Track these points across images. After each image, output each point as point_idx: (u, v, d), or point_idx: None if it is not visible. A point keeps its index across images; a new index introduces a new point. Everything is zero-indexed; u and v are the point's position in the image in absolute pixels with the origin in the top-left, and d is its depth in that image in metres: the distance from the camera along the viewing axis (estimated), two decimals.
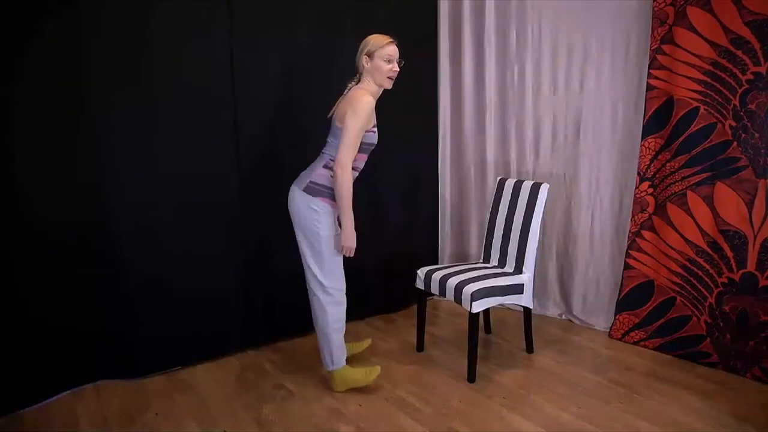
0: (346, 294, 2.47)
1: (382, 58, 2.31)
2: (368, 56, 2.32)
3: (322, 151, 2.42)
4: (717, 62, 2.60)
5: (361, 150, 2.32)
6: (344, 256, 2.41)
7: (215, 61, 2.64)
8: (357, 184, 2.44)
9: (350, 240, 2.32)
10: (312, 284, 2.42)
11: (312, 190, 2.33)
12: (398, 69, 2.36)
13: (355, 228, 2.32)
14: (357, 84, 2.39)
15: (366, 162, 2.43)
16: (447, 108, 3.70)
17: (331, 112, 2.41)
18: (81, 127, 2.37)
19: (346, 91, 2.41)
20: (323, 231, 2.34)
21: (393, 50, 2.33)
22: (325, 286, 2.39)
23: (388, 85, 2.38)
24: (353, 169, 2.33)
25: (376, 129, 2.37)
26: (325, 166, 2.34)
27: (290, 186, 2.42)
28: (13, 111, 2.20)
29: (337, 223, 2.39)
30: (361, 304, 3.25)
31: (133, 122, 2.47)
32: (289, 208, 2.42)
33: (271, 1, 2.77)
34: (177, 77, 2.54)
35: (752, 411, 2.31)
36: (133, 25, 2.41)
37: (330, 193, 2.33)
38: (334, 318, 2.42)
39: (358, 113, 2.22)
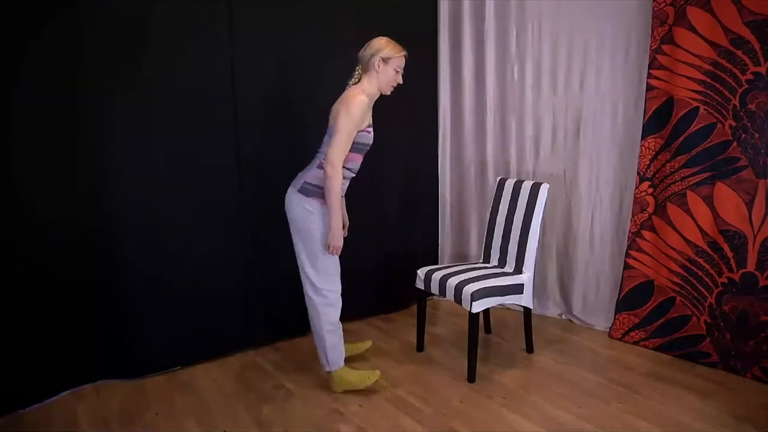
0: (344, 294, 2.46)
1: (394, 67, 2.34)
2: (384, 60, 2.32)
3: (318, 150, 2.40)
4: (717, 62, 2.60)
5: (355, 149, 2.30)
6: (339, 258, 2.40)
7: (215, 61, 2.65)
8: (356, 184, 2.42)
9: (337, 239, 2.31)
10: (306, 286, 2.42)
11: (307, 190, 2.32)
12: (401, 81, 2.40)
13: (356, 228, 2.31)
14: (356, 83, 2.38)
15: (362, 162, 2.41)
16: (447, 108, 3.70)
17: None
18: (81, 127, 2.37)
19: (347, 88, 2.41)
20: (317, 232, 2.33)
21: (403, 63, 2.37)
22: (318, 287, 2.39)
23: (388, 92, 2.41)
24: (348, 169, 2.33)
25: (371, 129, 2.35)
26: (320, 167, 2.31)
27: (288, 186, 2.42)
28: (13, 111, 2.20)
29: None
30: (361, 304, 3.26)
31: (133, 122, 2.47)
32: (285, 209, 2.41)
33: (270, 1, 2.77)
34: (177, 77, 2.54)
35: (752, 411, 2.31)
36: (133, 25, 2.41)
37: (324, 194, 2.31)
38: (327, 320, 2.42)
39: (351, 112, 2.22)
